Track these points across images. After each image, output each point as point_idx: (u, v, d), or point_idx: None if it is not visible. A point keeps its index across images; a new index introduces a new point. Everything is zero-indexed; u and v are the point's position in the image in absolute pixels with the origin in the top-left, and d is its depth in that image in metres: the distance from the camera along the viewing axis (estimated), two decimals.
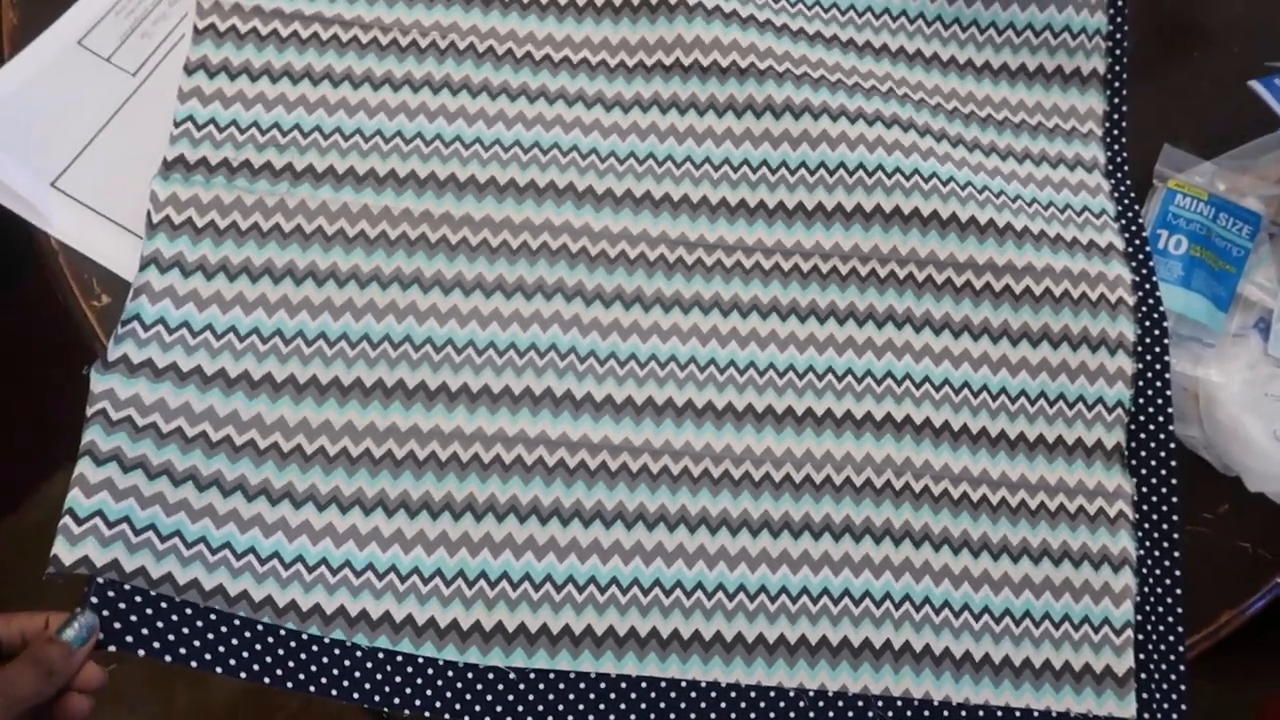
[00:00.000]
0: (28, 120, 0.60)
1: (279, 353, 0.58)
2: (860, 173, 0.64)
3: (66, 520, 0.51)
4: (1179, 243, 0.66)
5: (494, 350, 0.59)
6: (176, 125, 0.61)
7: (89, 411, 0.54)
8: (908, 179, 0.64)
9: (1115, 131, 0.69)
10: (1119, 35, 0.71)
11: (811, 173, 0.64)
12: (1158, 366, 0.62)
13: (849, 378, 0.61)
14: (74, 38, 0.63)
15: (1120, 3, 0.71)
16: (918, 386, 0.61)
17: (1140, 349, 0.62)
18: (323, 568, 0.54)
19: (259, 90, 0.63)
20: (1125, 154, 0.69)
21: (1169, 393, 0.62)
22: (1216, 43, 0.75)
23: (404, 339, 0.59)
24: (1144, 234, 0.65)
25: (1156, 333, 0.62)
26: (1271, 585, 0.62)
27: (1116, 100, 0.70)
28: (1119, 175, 0.68)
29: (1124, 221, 0.66)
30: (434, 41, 0.66)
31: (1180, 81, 0.73)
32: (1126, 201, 0.67)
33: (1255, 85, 0.67)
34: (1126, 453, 0.60)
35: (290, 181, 0.61)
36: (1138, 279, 0.64)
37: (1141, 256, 0.64)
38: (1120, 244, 0.65)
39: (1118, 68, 0.70)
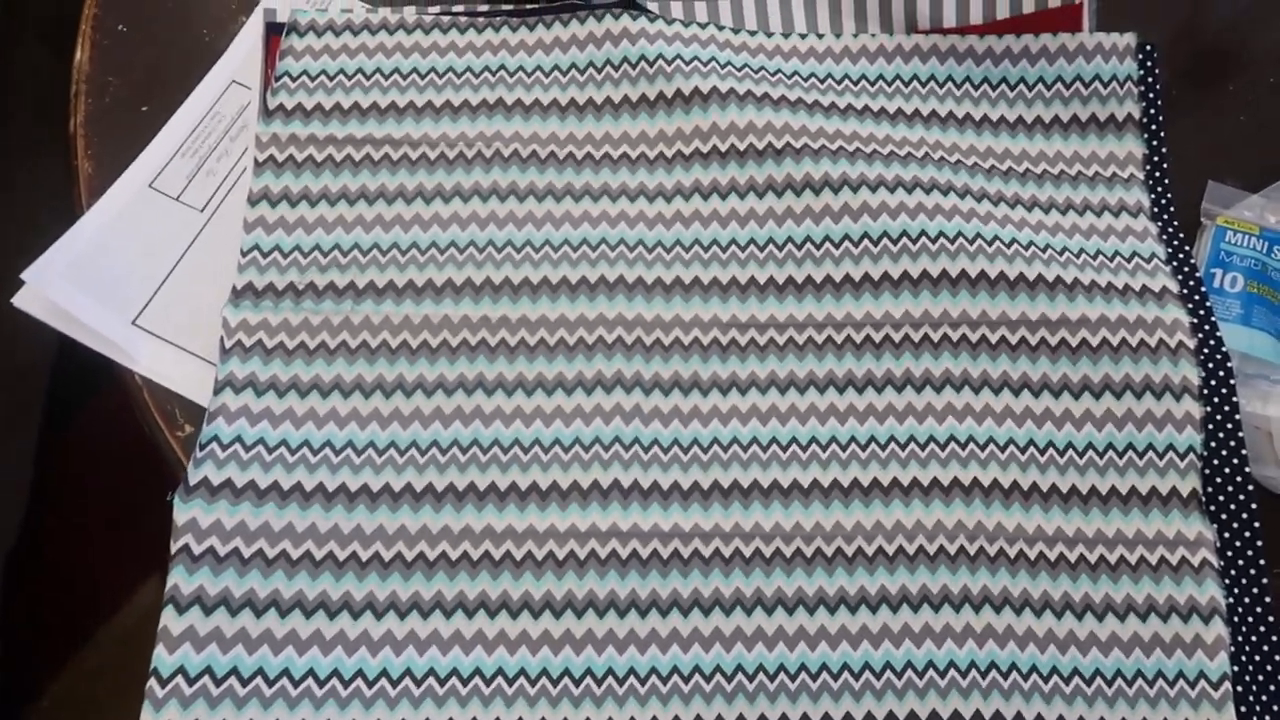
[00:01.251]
0: (108, 264, 0.64)
1: (351, 464, 0.60)
2: (904, 240, 0.65)
3: (151, 683, 0.54)
4: (1234, 280, 0.66)
5: (559, 447, 0.61)
6: (244, 255, 0.65)
7: (173, 548, 0.56)
8: (951, 242, 0.65)
9: (1157, 174, 0.69)
10: (1150, 79, 0.71)
11: (855, 244, 0.65)
12: (1226, 408, 0.61)
13: (912, 445, 0.61)
14: (145, 181, 0.67)
15: (1149, 48, 0.72)
16: (982, 449, 0.61)
17: (1206, 391, 0.62)
18: (407, 680, 0.56)
19: (319, 214, 0.66)
20: (1169, 195, 0.69)
21: (1241, 434, 0.61)
22: (1253, 73, 0.75)
23: (471, 442, 0.61)
24: (1198, 274, 0.65)
25: (1221, 374, 0.62)
26: None
27: (1155, 143, 0.70)
28: (1165, 217, 0.68)
29: (1176, 263, 0.66)
30: (479, 151, 0.68)
31: (1219, 115, 0.73)
32: (1176, 243, 0.67)
33: None
34: (1204, 498, 0.60)
35: (353, 299, 0.64)
36: (1196, 320, 0.63)
37: (1198, 298, 0.64)
38: (1174, 287, 0.64)
39: (1153, 110, 0.71)
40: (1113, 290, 0.64)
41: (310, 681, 0.55)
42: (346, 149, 0.68)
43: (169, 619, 0.55)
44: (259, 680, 0.55)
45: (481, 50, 0.72)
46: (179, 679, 0.54)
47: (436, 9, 0.73)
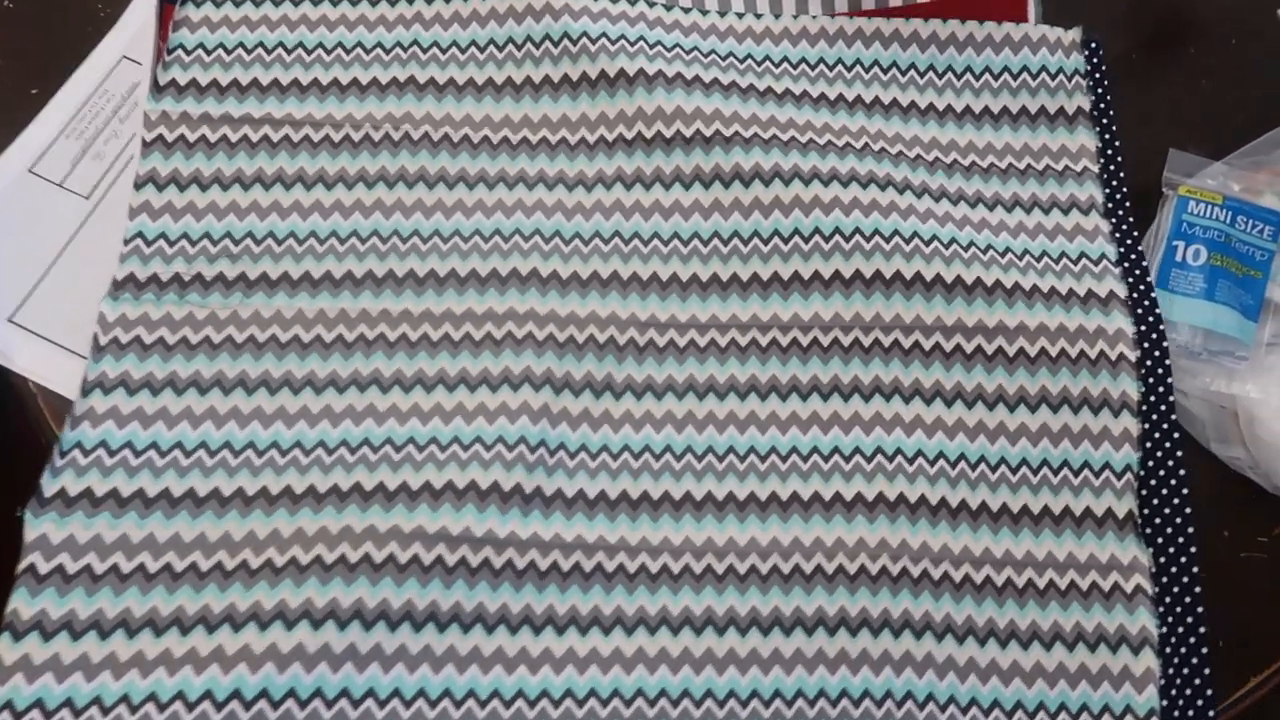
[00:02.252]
0: None
1: (227, 466, 0.55)
2: (837, 238, 0.61)
3: None
4: (1197, 253, 0.62)
5: (458, 446, 0.56)
6: (126, 243, 0.59)
7: (18, 570, 0.51)
8: (887, 240, 0.60)
9: (1112, 167, 0.65)
10: (1097, 74, 0.68)
11: (785, 241, 0.61)
12: (1165, 426, 0.58)
13: (836, 457, 0.57)
14: (24, 165, 0.61)
15: (1094, 44, 0.68)
16: (910, 462, 0.57)
17: (1145, 408, 0.58)
18: (263, 702, 0.50)
19: (210, 200, 0.61)
20: (1124, 190, 0.65)
21: (1180, 453, 0.57)
22: (1211, 36, 0.71)
23: (362, 442, 0.56)
24: (1149, 278, 0.61)
25: (1161, 390, 0.58)
26: None
27: (1107, 137, 0.66)
28: (1120, 213, 0.64)
29: (1127, 265, 0.62)
30: (387, 134, 0.63)
31: (1178, 82, 0.70)
32: (1129, 243, 0.63)
33: None
34: (1140, 521, 0.56)
35: (243, 292, 0.59)
36: (1141, 329, 0.59)
37: (1147, 304, 0.60)
38: (1122, 291, 0.60)
39: (1102, 105, 0.67)
40: (1055, 296, 0.60)
41: (150, 706, 0.50)
42: (243, 129, 0.63)
43: (3, 648, 0.50)
44: (94, 710, 0.50)
45: (394, 24, 0.66)
46: (4, 715, 0.49)
47: None
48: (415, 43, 0.66)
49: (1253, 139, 0.66)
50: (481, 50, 0.66)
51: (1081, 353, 0.58)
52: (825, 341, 0.59)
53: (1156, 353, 0.59)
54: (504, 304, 0.59)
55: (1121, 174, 0.65)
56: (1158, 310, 0.60)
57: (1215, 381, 0.59)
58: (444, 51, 0.66)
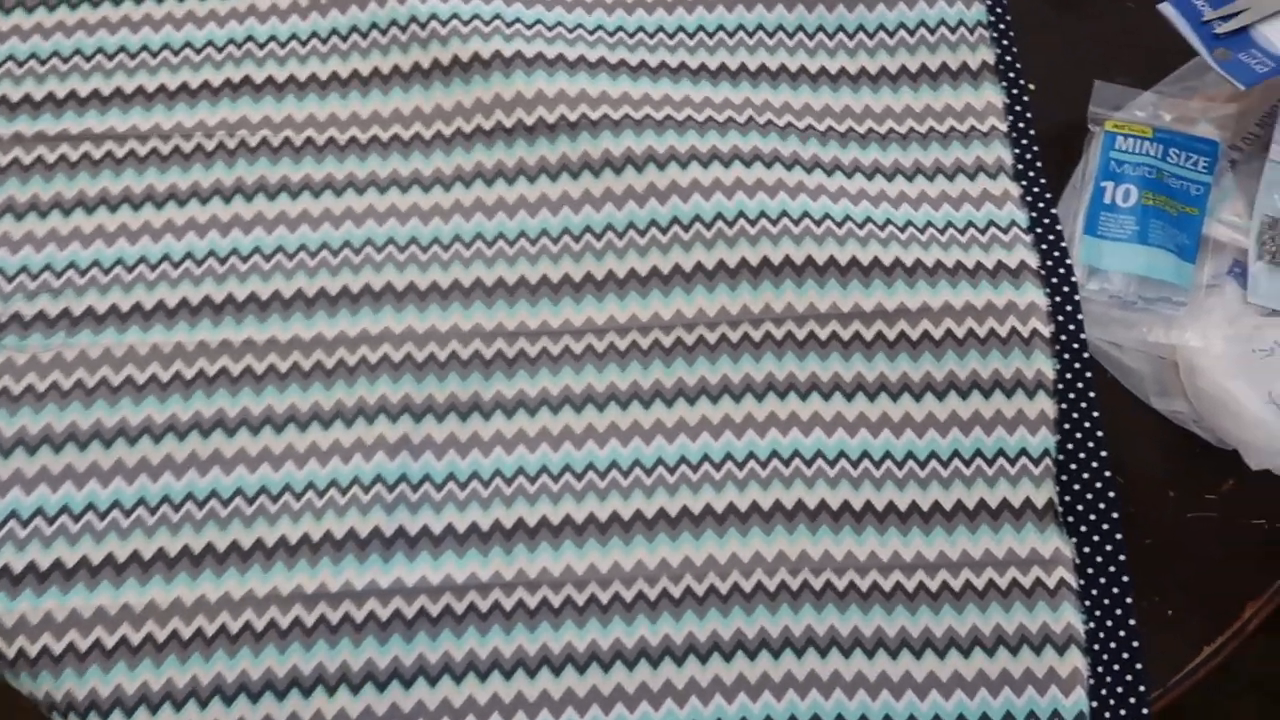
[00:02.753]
0: None
1: (67, 533, 0.51)
2: (720, 224, 0.56)
3: None
4: (1128, 193, 0.58)
5: (313, 493, 0.52)
6: None
7: None
8: (775, 223, 0.56)
9: (1021, 125, 0.61)
10: (1002, 25, 0.63)
11: (664, 231, 0.57)
12: (1084, 404, 0.54)
13: (729, 464, 0.53)
14: None
15: None
16: (808, 464, 0.53)
17: (1062, 386, 0.54)
18: None
19: (25, 229, 0.56)
20: (1035, 148, 0.60)
21: (1100, 433, 0.53)
22: None
23: (209, 494, 0.52)
24: (1063, 243, 0.57)
25: (1078, 365, 0.54)
26: None
27: (1015, 91, 0.61)
28: (1031, 174, 0.59)
29: (1039, 231, 0.57)
30: (221, 143, 0.59)
31: (1101, 7, 0.65)
32: (1042, 205, 0.58)
33: (1165, 8, 0.59)
34: (1060, 509, 0.52)
35: (67, 331, 0.55)
36: (1057, 300, 0.55)
37: (1063, 271, 0.56)
38: (1034, 260, 0.56)
39: (1009, 57, 0.62)
40: (961, 271, 0.56)
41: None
42: (38, 148, 0.58)
43: None
44: None
45: (225, 19, 0.61)
46: None
47: None
48: (250, 38, 0.61)
49: (1184, 63, 0.61)
50: (324, 42, 0.61)
51: (991, 331, 0.54)
52: (711, 339, 0.55)
53: (1071, 326, 0.55)
54: (356, 325, 0.55)
55: (1032, 131, 0.60)
56: (1073, 279, 0.56)
57: (1153, 331, 0.55)
58: (283, 46, 0.61)
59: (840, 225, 0.56)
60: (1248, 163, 0.59)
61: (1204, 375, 0.53)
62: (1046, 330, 0.55)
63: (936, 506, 0.52)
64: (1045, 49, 0.63)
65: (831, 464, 0.53)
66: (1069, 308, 0.55)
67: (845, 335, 0.55)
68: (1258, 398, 0.52)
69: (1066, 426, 0.54)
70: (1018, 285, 0.56)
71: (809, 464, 0.53)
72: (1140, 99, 0.60)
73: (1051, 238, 0.57)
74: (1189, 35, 0.58)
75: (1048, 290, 0.56)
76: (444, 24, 0.59)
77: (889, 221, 0.57)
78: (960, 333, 0.55)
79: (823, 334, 0.55)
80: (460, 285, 0.56)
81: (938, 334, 0.55)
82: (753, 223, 0.56)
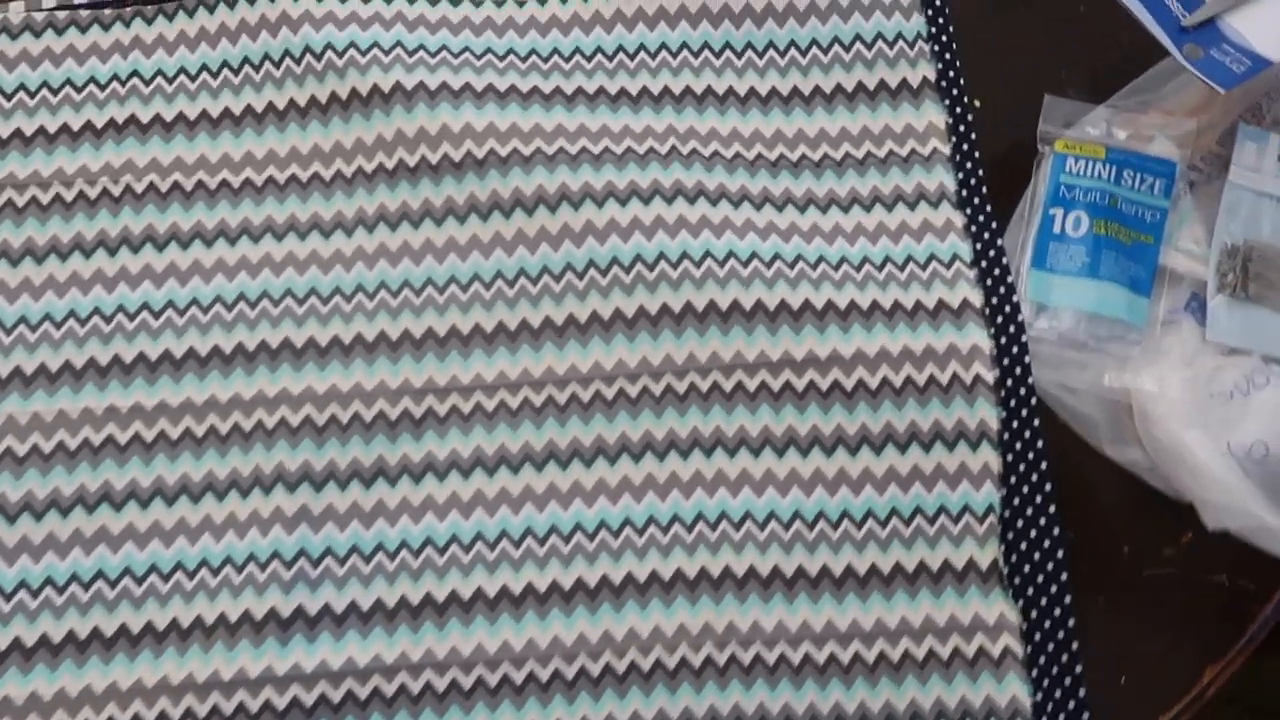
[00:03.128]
0: None
1: None
2: (639, 267, 0.52)
3: None
4: (1078, 221, 0.54)
5: (207, 571, 0.48)
6: None
7: None
8: (698, 265, 0.52)
9: (966, 146, 0.56)
10: (944, 37, 0.58)
11: (580, 276, 0.52)
12: (1031, 455, 0.50)
13: (651, 529, 0.49)
14: None
15: (939, 2, 0.58)
16: (737, 527, 0.49)
17: (1008, 435, 0.50)
18: None
19: None
20: (980, 172, 0.55)
21: (1049, 486, 0.49)
22: None
23: (95, 575, 0.48)
24: (1009, 278, 0.53)
25: (1025, 412, 0.50)
26: (1261, 620, 0.51)
27: (959, 109, 0.57)
28: (976, 201, 0.55)
29: (984, 264, 0.53)
30: (105, 189, 0.54)
31: (1053, 13, 0.60)
32: (987, 236, 0.54)
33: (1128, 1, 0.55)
34: (1006, 570, 0.48)
35: None
36: (1003, 341, 0.51)
37: (1008, 309, 0.52)
38: (977, 298, 0.52)
39: (951, 73, 0.57)
40: (899, 312, 0.52)
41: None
42: None
43: None
44: None
45: (89, 55, 0.57)
46: None
47: (48, 6, 0.57)
48: (135, 74, 0.56)
49: (1142, 72, 0.57)
50: (215, 76, 0.56)
51: (931, 379, 0.50)
52: (633, 393, 0.51)
53: (1018, 369, 0.51)
54: (251, 387, 0.51)
55: (977, 153, 0.56)
56: (1020, 318, 0.52)
57: (1105, 374, 0.51)
58: (170, 82, 0.56)
59: (768, 265, 0.52)
60: (1207, 184, 0.54)
61: (1158, 424, 0.49)
62: (990, 375, 0.51)
63: (874, 570, 0.48)
64: (991, 61, 0.58)
65: (761, 526, 0.49)
66: (1015, 349, 0.51)
67: (775, 386, 0.51)
68: (1215, 449, 0.48)
69: (1013, 480, 0.50)
70: (960, 326, 0.51)
71: (737, 527, 0.49)
72: (1093, 114, 0.56)
73: (997, 272, 0.53)
74: (1154, 29, 0.53)
75: (992, 331, 0.52)
76: (340, 54, 0.55)
77: (821, 259, 0.53)
78: (897, 381, 0.51)
79: (751, 385, 0.51)
80: (363, 340, 0.52)
81: (873, 383, 0.51)
82: (674, 265, 0.52)
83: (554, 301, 0.52)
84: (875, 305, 0.52)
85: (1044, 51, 0.59)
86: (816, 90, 0.56)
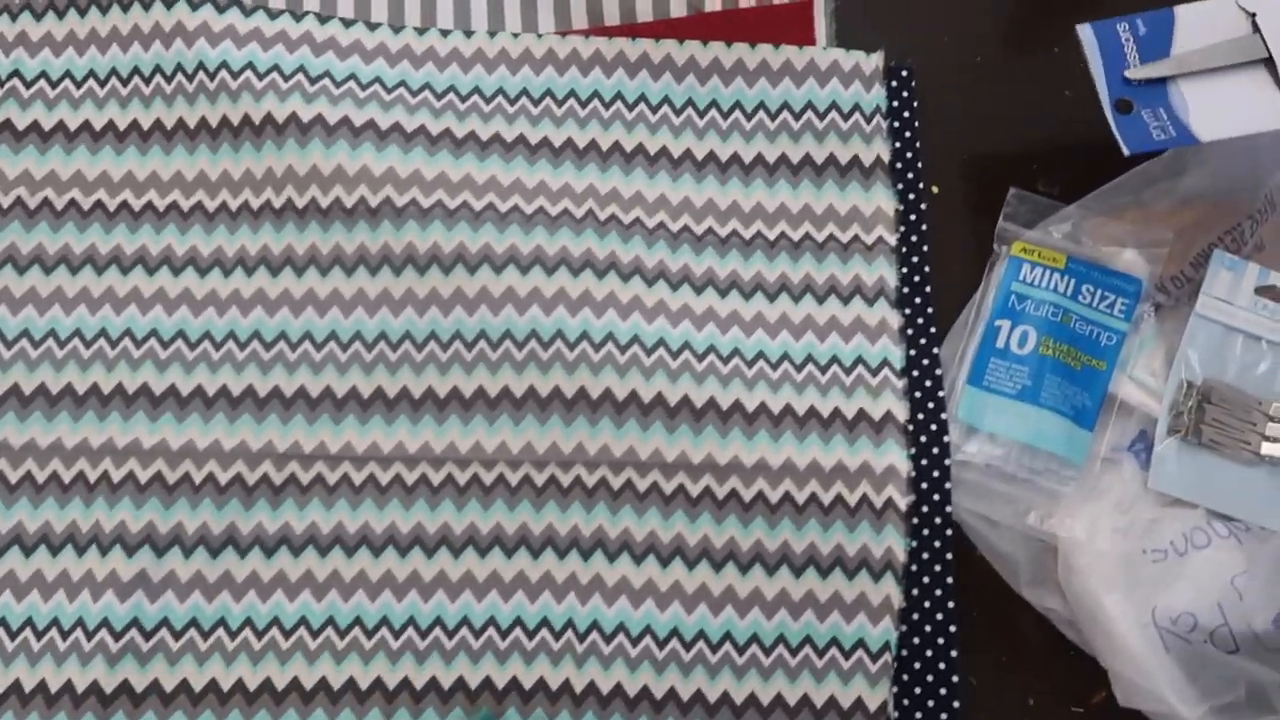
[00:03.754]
0: None
1: None
2: (533, 343, 0.48)
3: None
4: (1025, 337, 0.49)
5: (30, 633, 0.45)
6: None
7: None
8: (597, 348, 0.48)
9: (914, 238, 0.51)
10: (906, 114, 0.52)
11: (469, 346, 0.48)
12: (938, 591, 0.46)
13: (517, 631, 0.45)
14: None
15: (905, 73, 0.53)
16: (607, 641, 0.45)
17: (916, 567, 0.46)
18: None
19: None
20: (927, 266, 0.50)
21: (952, 628, 0.45)
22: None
23: None
24: (940, 392, 0.48)
25: (938, 543, 0.46)
26: None
27: (913, 195, 0.51)
28: (918, 300, 0.50)
29: (915, 374, 0.48)
30: None
31: (1032, 94, 0.54)
32: (924, 342, 0.49)
33: (1083, 31, 0.49)
34: (895, 716, 0.45)
35: None
36: (923, 463, 0.47)
37: (935, 428, 0.47)
38: (901, 411, 0.47)
39: (909, 154, 0.52)
40: (813, 420, 0.47)
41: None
42: None
43: None
44: None
45: None
46: None
47: None
48: (16, 73, 0.52)
49: (1124, 170, 0.51)
50: (101, 84, 0.52)
51: (838, 498, 0.46)
52: (513, 480, 0.47)
53: (937, 495, 0.46)
54: (102, 433, 0.47)
55: (926, 246, 0.50)
56: (946, 439, 0.47)
57: (1031, 512, 0.47)
58: (53, 86, 0.52)
59: (675, 356, 0.48)
60: (1174, 309, 0.49)
61: (1080, 578, 0.45)
62: (904, 501, 0.46)
63: (751, 700, 0.45)
64: (956, 142, 0.53)
65: (634, 641, 0.45)
66: (936, 473, 0.47)
67: (667, 489, 0.47)
68: (1136, 618, 0.43)
69: (915, 616, 0.46)
70: (878, 443, 0.47)
71: (607, 640, 0.45)
72: (1061, 213, 0.51)
73: (928, 384, 0.48)
74: (1096, 70, 0.48)
75: (913, 451, 0.47)
76: (235, 75, 0.50)
77: (736, 352, 0.48)
78: (800, 497, 0.46)
79: (641, 485, 0.47)
80: (229, 393, 0.48)
81: (774, 496, 0.46)
82: (572, 346, 0.48)
83: (438, 370, 0.48)
84: (788, 410, 0.47)
85: (1018, 137, 0.53)
86: (758, 159, 0.51)
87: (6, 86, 0.51)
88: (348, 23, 0.52)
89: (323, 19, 0.52)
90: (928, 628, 0.46)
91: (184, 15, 0.51)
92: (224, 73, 0.50)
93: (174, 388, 0.48)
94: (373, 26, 0.52)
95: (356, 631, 0.45)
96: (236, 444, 0.47)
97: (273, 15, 0.52)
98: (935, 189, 0.52)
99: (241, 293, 0.49)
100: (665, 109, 0.52)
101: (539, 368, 0.47)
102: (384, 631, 0.45)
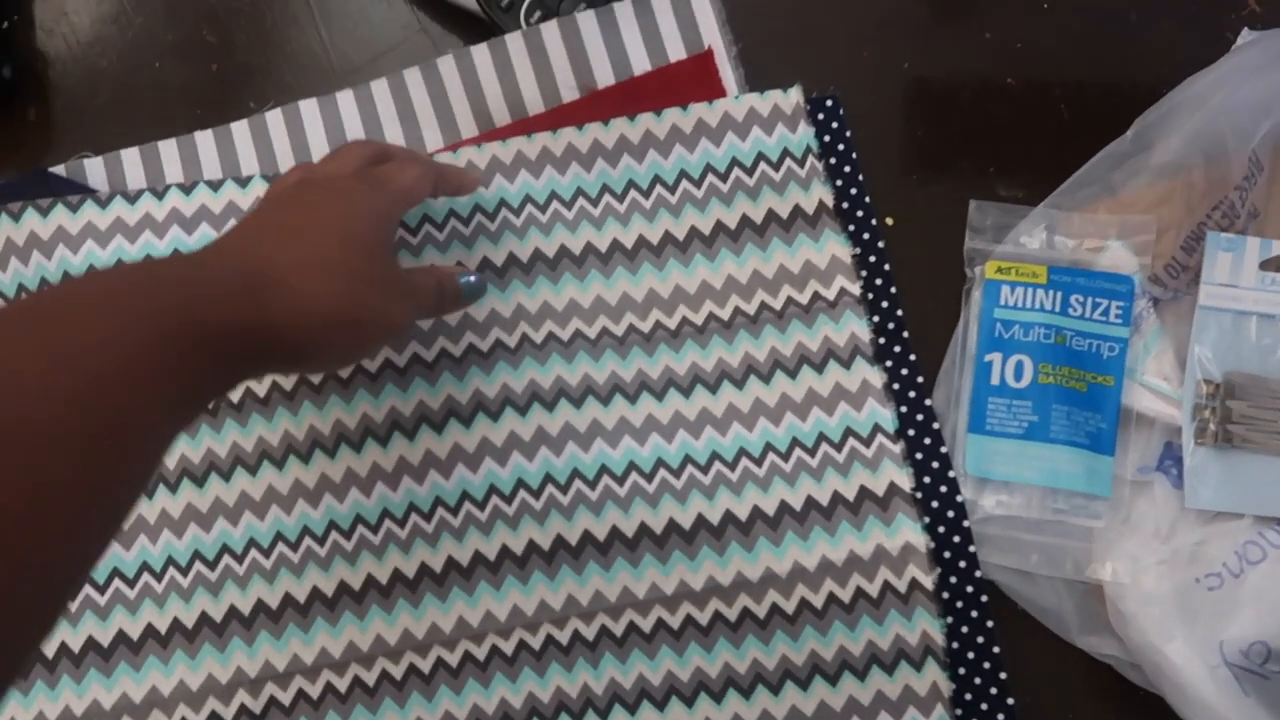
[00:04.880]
0: None
1: None
2: (522, 494, 0.44)
3: None
4: (1020, 368, 0.44)
5: None
6: None
7: None
8: (593, 484, 0.44)
9: (879, 281, 0.46)
10: (841, 146, 0.47)
11: (454, 513, 0.44)
12: (987, 665, 0.42)
13: None
14: None
15: (830, 103, 0.48)
16: None
17: (958, 646, 0.42)
18: None
19: None
20: (900, 312, 0.46)
21: (1010, 700, 0.42)
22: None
23: None
24: (942, 449, 0.44)
25: (975, 614, 0.42)
26: None
27: (868, 236, 0.47)
28: (896, 351, 0.45)
29: (911, 433, 0.44)
30: None
31: (972, 97, 0.49)
32: (913, 395, 0.45)
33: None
34: None
35: None
36: (941, 531, 0.43)
37: (944, 491, 0.43)
38: (906, 481, 0.43)
39: (854, 191, 0.47)
40: (813, 513, 0.44)
41: None
42: None
43: None
44: None
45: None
46: None
47: None
48: None
49: (1089, 157, 0.46)
50: None
51: (859, 592, 0.43)
52: (536, 644, 0.44)
53: (963, 562, 0.43)
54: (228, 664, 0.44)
55: (894, 289, 0.46)
56: (959, 499, 0.43)
57: (1067, 561, 0.43)
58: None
59: (649, 477, 0.44)
60: (1175, 301, 0.45)
61: (1134, 626, 0.41)
62: (929, 579, 0.42)
63: None
64: (903, 164, 0.48)
65: None
66: (958, 539, 0.43)
67: (674, 623, 0.43)
68: (1204, 662, 0.39)
69: (968, 697, 0.42)
70: (888, 521, 0.43)
71: None
72: (1030, 218, 0.46)
73: (928, 441, 0.44)
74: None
75: (927, 520, 0.43)
76: None
77: (715, 456, 0.44)
78: (818, 601, 0.43)
79: (646, 624, 0.43)
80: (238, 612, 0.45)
81: (790, 607, 0.43)
82: (564, 488, 0.44)
83: (453, 539, 0.44)
84: (784, 509, 0.43)
85: (967, 143, 0.48)
86: (693, 233, 0.47)
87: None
88: (187, 190, 0.48)
89: (186, 189, 0.47)
90: (984, 706, 0.42)
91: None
92: None
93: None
94: (243, 183, 0.48)
95: None
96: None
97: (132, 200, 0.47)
98: (890, 221, 0.47)
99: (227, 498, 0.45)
100: (581, 201, 0.47)
101: (534, 518, 0.44)
102: None
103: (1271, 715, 0.39)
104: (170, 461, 0.45)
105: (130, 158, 0.48)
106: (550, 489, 0.44)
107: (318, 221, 0.36)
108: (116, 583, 0.44)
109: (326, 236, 0.36)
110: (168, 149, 0.48)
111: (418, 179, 0.40)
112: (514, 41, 0.48)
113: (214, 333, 0.31)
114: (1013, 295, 0.45)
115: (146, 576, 0.44)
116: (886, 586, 0.43)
